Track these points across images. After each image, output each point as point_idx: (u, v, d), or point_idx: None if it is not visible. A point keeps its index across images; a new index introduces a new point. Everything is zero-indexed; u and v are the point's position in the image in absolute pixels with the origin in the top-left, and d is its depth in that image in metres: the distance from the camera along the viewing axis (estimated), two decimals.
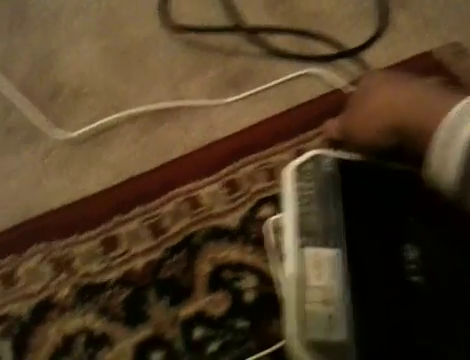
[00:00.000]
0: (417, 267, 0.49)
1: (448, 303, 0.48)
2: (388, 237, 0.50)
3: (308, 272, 0.46)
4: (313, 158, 0.55)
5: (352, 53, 0.70)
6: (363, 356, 0.43)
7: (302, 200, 0.51)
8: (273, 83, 0.67)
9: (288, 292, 0.46)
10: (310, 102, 0.67)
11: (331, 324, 0.44)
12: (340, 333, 0.44)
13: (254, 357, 0.47)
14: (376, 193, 0.53)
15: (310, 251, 0.48)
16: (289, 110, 0.66)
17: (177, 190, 0.57)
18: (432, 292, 0.48)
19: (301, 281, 0.46)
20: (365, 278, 0.48)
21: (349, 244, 0.49)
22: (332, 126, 0.59)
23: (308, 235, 0.49)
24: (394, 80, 0.52)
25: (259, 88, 0.67)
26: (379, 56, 0.71)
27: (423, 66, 0.71)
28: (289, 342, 0.44)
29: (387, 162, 0.55)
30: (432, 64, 0.72)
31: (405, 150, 0.48)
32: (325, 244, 0.48)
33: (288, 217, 0.50)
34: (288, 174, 0.54)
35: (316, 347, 0.43)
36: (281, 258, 0.50)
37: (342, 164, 0.54)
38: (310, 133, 0.63)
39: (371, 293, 0.47)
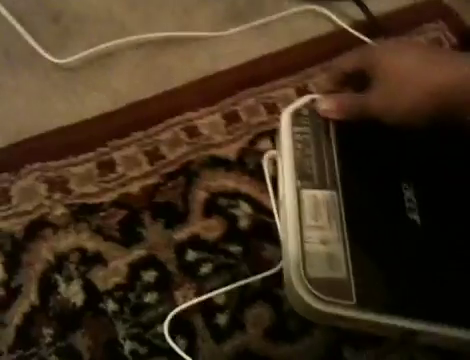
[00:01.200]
0: (414, 205, 0.49)
1: (444, 241, 0.48)
2: (385, 176, 0.51)
3: (306, 213, 0.47)
4: (309, 102, 0.54)
5: None
6: (361, 292, 0.43)
7: (298, 144, 0.52)
8: (276, 16, 0.66)
9: (287, 233, 0.46)
10: (314, 39, 0.66)
11: (330, 262, 0.44)
12: (339, 271, 0.44)
13: (246, 280, 0.47)
14: (371, 134, 0.53)
15: (307, 193, 0.48)
16: (293, 46, 0.65)
17: (176, 118, 0.56)
18: (428, 230, 0.48)
19: (300, 222, 0.46)
20: (362, 217, 0.48)
21: (345, 185, 0.49)
22: (344, 105, 0.52)
23: (305, 178, 0.49)
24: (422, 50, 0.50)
25: (263, 20, 0.66)
26: (383, 2, 0.70)
27: (432, 13, 0.70)
28: (289, 280, 0.44)
29: None
30: (441, 11, 0.71)
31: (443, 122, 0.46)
32: (321, 186, 0.49)
33: (285, 161, 0.51)
34: (285, 118, 0.54)
35: (316, 285, 0.43)
36: (277, 195, 0.51)
37: None
38: (313, 69, 0.63)
39: (369, 231, 0.47)
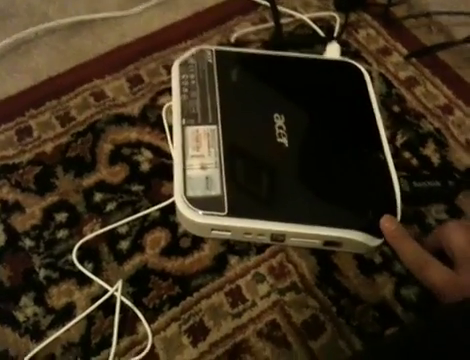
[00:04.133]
0: (283, 131, 0.56)
1: (305, 158, 0.57)
2: (260, 110, 0.59)
3: (188, 145, 0.55)
4: (196, 53, 0.63)
5: None
6: (232, 205, 0.51)
7: (185, 89, 0.60)
8: None
9: (175, 163, 0.55)
10: (212, 7, 0.73)
11: (207, 183, 0.53)
12: (214, 190, 0.52)
13: (144, 212, 0.55)
14: (249, 76, 0.61)
15: (191, 129, 0.57)
16: (194, 14, 0.73)
17: (85, 86, 0.64)
18: (293, 150, 0.56)
19: (184, 153, 0.55)
20: (238, 144, 0.56)
21: (225, 119, 0.57)
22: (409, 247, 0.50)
23: (189, 117, 0.58)
24: None
25: None
26: None
27: None
28: (176, 201, 0.52)
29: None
30: None
31: None
32: (203, 122, 0.57)
33: (174, 104, 0.59)
34: (175, 68, 0.62)
35: (194, 202, 0.51)
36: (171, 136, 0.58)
37: (220, 55, 0.63)
38: (212, 31, 0.70)
39: (242, 155, 0.56)
